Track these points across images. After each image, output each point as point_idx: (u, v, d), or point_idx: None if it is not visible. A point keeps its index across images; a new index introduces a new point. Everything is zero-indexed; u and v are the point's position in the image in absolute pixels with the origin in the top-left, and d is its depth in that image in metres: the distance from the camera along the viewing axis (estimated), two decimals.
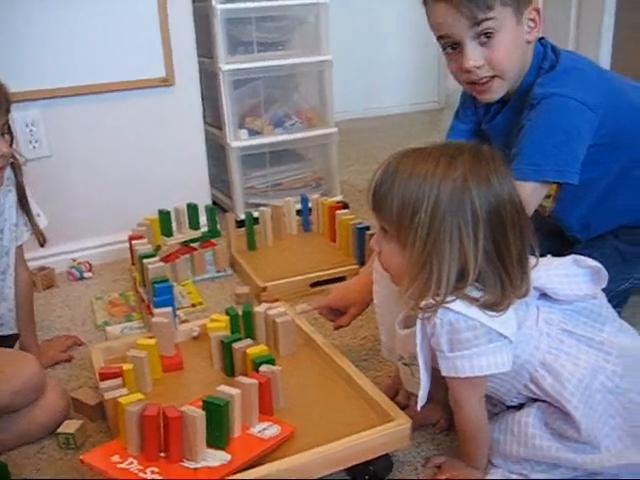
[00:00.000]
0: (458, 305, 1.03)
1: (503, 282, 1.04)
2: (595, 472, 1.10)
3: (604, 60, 2.78)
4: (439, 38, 1.38)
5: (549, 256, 1.19)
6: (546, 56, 1.42)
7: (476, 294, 1.04)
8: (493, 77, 1.38)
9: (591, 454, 1.09)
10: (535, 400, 1.15)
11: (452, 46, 1.37)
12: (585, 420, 1.08)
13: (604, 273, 1.14)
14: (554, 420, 1.11)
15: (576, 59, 1.44)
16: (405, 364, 1.19)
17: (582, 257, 1.17)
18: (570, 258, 1.18)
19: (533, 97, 1.37)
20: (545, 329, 1.12)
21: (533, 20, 1.37)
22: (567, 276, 1.15)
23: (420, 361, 1.09)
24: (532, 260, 1.09)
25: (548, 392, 1.10)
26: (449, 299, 1.02)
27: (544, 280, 1.13)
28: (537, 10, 1.37)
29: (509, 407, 1.20)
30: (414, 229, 1.02)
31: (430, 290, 1.03)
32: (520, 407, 1.18)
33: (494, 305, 1.04)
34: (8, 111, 1.38)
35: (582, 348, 1.12)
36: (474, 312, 1.03)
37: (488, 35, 1.32)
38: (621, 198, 1.51)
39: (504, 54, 1.35)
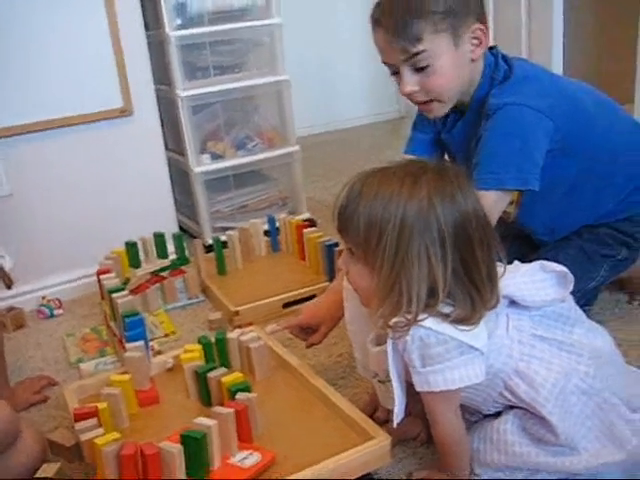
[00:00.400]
0: (429, 322, 1.03)
1: (473, 298, 1.04)
2: (575, 474, 1.11)
3: (556, 61, 2.83)
4: (383, 62, 1.41)
5: (516, 262, 1.20)
6: (498, 66, 1.43)
7: (447, 310, 1.04)
8: (431, 100, 1.40)
9: (570, 456, 1.10)
10: (512, 407, 1.16)
11: (394, 72, 1.39)
12: (562, 424, 1.08)
13: (570, 277, 1.16)
14: (531, 425, 1.12)
15: (528, 67, 1.46)
16: (380, 381, 1.20)
17: (548, 262, 1.18)
18: (536, 264, 1.19)
19: (488, 108, 1.39)
20: (516, 336, 1.13)
21: (477, 38, 1.37)
22: (534, 282, 1.16)
23: (393, 378, 1.09)
24: (500, 269, 1.10)
25: (523, 399, 1.11)
26: (420, 317, 1.03)
27: (512, 288, 1.14)
28: (481, 28, 1.37)
29: (486, 415, 1.21)
30: (381, 250, 1.02)
31: (401, 310, 1.03)
32: (498, 415, 1.18)
33: (465, 320, 1.04)
34: None
35: (554, 352, 1.13)
36: (445, 328, 1.03)
37: (422, 65, 1.34)
38: (581, 202, 1.53)
39: (439, 81, 1.37)
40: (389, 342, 1.07)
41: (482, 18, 1.38)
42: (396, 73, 1.39)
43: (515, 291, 1.14)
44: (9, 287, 1.56)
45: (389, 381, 1.13)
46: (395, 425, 1.12)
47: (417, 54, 1.32)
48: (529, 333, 1.14)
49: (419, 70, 1.35)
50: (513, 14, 2.92)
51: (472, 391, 1.13)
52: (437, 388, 1.06)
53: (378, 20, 1.36)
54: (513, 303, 1.15)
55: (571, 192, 1.51)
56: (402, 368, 1.10)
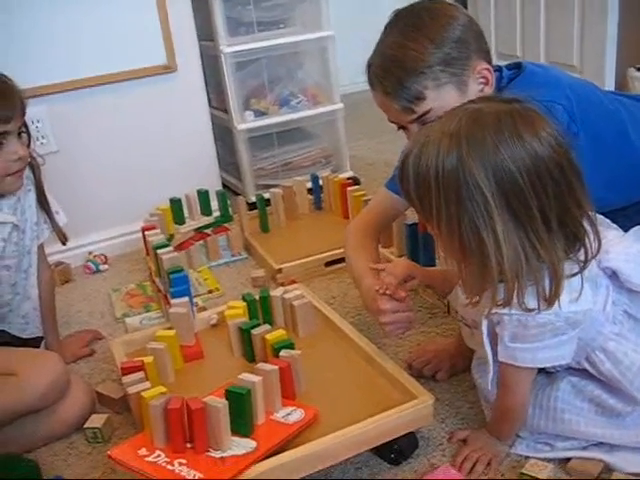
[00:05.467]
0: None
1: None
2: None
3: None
4: (388, 121, 1.36)
5: (633, 232, 1.15)
6: (502, 76, 1.36)
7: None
8: None
9: (619, 429, 1.09)
10: (568, 369, 1.14)
11: (400, 127, 1.34)
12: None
13: None
14: (592, 389, 1.11)
15: (537, 64, 1.40)
16: (466, 324, 1.17)
17: None
18: None
19: None
20: (611, 313, 1.09)
21: (484, 77, 1.29)
22: None
23: (489, 357, 1.09)
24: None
25: (604, 374, 1.09)
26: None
27: (621, 264, 1.08)
28: (486, 68, 1.29)
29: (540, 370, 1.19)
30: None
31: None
32: (549, 374, 1.17)
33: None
34: (24, 114, 1.38)
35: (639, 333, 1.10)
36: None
37: (431, 120, 1.22)
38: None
39: None
40: (484, 323, 1.07)
41: (485, 55, 1.30)
42: (403, 127, 1.33)
43: (623, 268, 1.09)
44: (64, 243, 1.58)
45: (475, 328, 1.12)
46: (489, 387, 1.13)
47: (424, 113, 1.26)
48: (622, 309, 1.10)
49: (428, 122, 1.25)
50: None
51: None
52: (524, 364, 1.05)
53: (374, 84, 1.31)
54: (614, 275, 1.10)
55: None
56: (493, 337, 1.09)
